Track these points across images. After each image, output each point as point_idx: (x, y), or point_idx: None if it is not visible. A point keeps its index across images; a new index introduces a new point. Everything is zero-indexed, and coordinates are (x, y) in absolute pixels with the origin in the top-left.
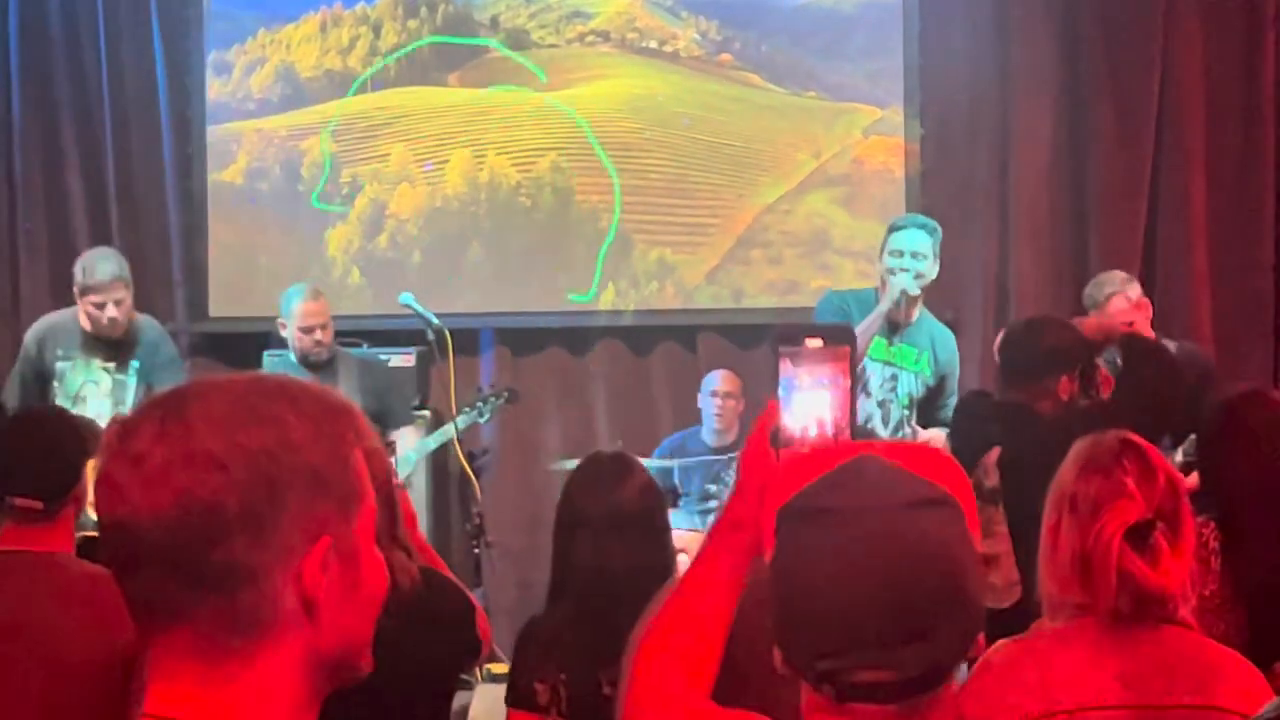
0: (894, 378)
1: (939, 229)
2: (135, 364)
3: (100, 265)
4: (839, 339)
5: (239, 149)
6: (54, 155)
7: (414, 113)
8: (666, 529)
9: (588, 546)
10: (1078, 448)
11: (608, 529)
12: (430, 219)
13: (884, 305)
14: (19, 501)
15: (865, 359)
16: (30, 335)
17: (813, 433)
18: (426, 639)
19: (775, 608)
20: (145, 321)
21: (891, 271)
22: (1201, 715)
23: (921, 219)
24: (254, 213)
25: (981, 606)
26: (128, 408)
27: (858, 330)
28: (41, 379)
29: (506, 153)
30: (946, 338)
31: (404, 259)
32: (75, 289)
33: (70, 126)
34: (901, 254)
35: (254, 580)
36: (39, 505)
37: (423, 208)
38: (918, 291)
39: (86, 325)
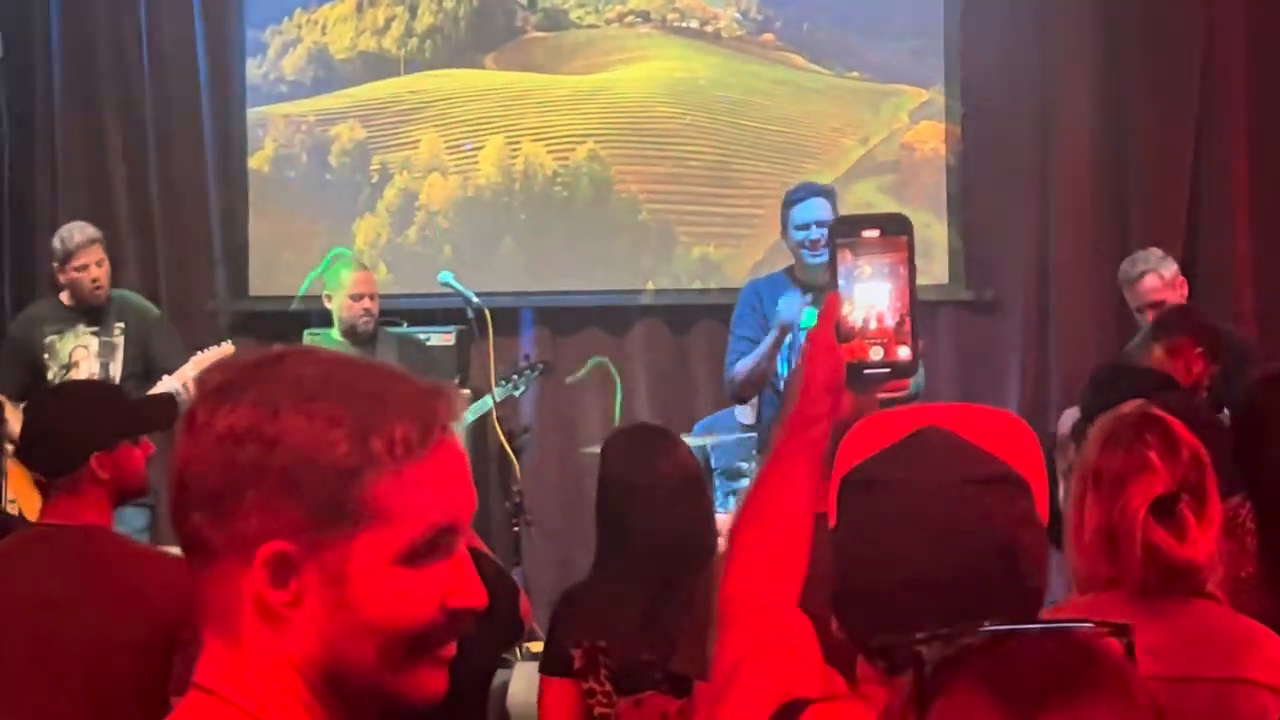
0: None
1: (833, 190)
2: (119, 325)
3: (76, 232)
4: (896, 228)
5: (265, 135)
6: (95, 134)
7: (448, 97)
8: (710, 499)
9: (643, 511)
10: (1100, 423)
11: (664, 494)
12: (462, 210)
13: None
14: (35, 476)
15: (799, 330)
16: (15, 324)
17: (873, 325)
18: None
19: (835, 578)
20: (122, 293)
21: (802, 245)
22: (1231, 688)
23: (816, 185)
24: (281, 201)
25: (1042, 587)
26: (118, 365)
27: (755, 354)
28: (31, 359)
29: (542, 140)
30: None
31: (434, 253)
32: (55, 263)
33: (111, 105)
34: (807, 225)
35: (218, 560)
36: (43, 480)
37: (454, 198)
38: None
39: (68, 300)
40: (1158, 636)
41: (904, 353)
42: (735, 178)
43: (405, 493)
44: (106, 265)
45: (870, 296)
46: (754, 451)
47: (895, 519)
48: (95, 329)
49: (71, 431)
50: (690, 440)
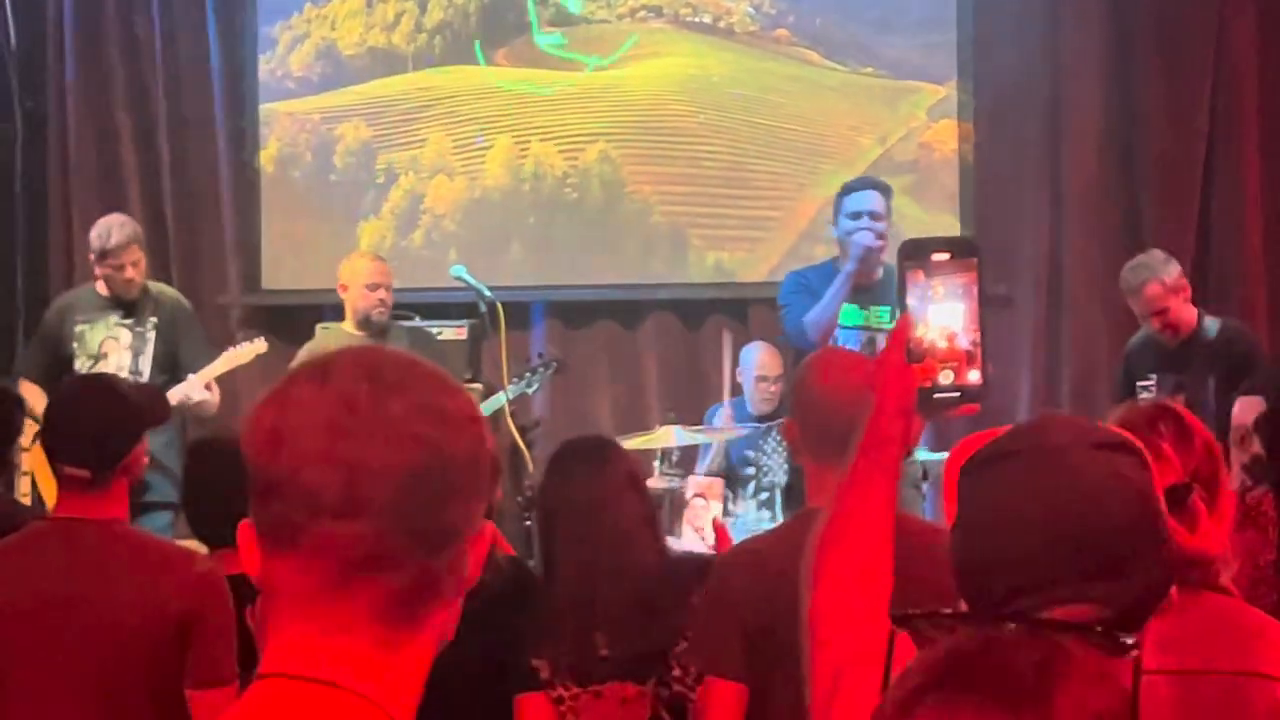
0: (872, 341)
1: (891, 189)
2: (153, 320)
3: (115, 231)
4: (965, 251)
5: (270, 134)
6: (108, 128)
7: (456, 94)
8: (650, 513)
9: (568, 534)
10: (1113, 416)
11: (586, 517)
12: (469, 214)
13: (850, 266)
14: (67, 469)
15: (839, 328)
16: (52, 308)
17: (943, 346)
18: (503, 620)
19: (959, 557)
20: (160, 287)
21: (851, 234)
22: (1241, 681)
23: (874, 179)
24: (285, 202)
25: (1175, 555)
26: (148, 359)
27: (827, 296)
28: (58, 348)
29: (552, 139)
30: None
31: (439, 257)
32: (93, 255)
33: (123, 99)
34: (860, 215)
35: (456, 547)
36: (86, 474)
37: (461, 201)
38: (879, 244)
39: (103, 290)
40: (1169, 629)
41: (974, 376)
42: (750, 179)
43: None
44: (143, 264)
45: (939, 318)
46: (759, 442)
47: (1029, 480)
48: (129, 321)
49: (118, 427)
50: (699, 437)
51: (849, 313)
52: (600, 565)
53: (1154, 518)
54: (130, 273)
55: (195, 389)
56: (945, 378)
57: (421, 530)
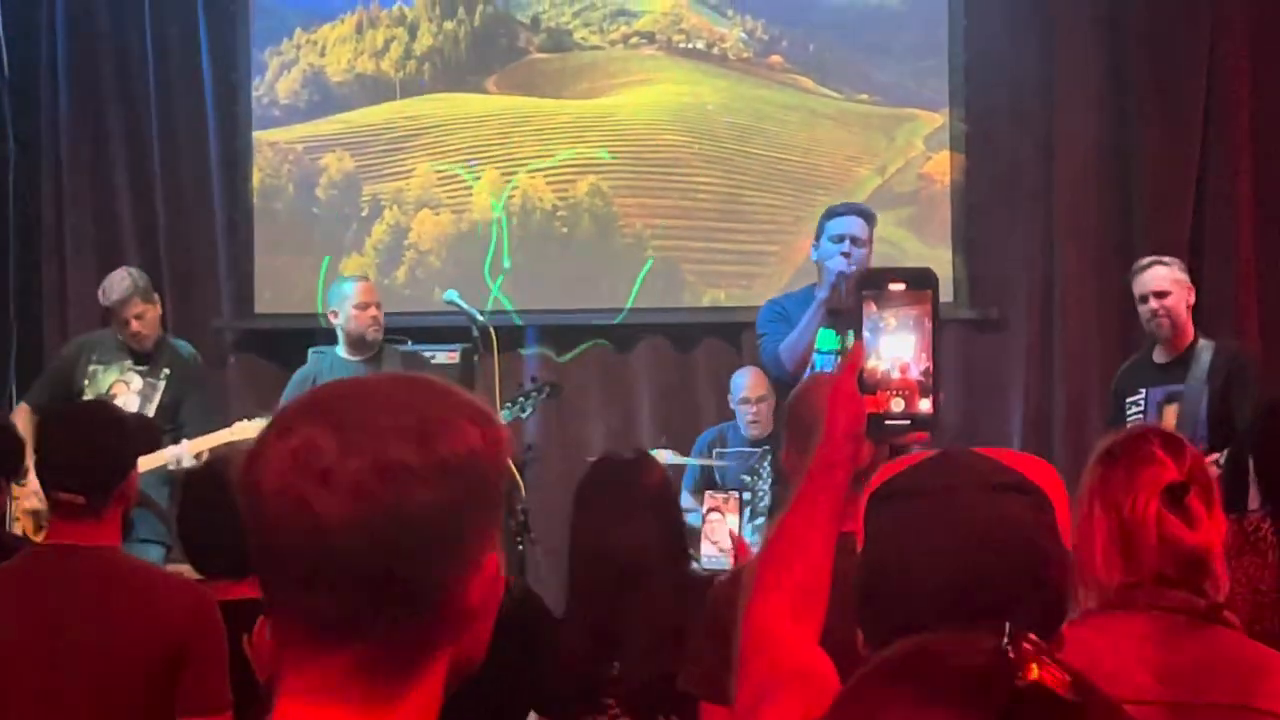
0: None
1: (875, 215)
2: (166, 371)
3: (115, 286)
4: (922, 282)
5: (252, 164)
6: (101, 153)
7: (444, 122)
8: (673, 517)
9: (583, 564)
10: (1097, 446)
11: (599, 548)
12: (454, 250)
13: (822, 291)
14: (62, 495)
15: (815, 352)
16: (72, 343)
17: (896, 375)
18: (514, 647)
19: (860, 589)
20: (179, 343)
21: (829, 258)
22: (1234, 715)
23: (858, 205)
24: (266, 235)
25: (1066, 597)
26: (154, 407)
27: (800, 324)
28: (70, 382)
29: (541, 170)
30: None
31: (423, 295)
32: (108, 296)
33: (117, 123)
34: (841, 239)
35: (442, 595)
36: (81, 500)
37: (446, 236)
38: (852, 270)
39: (122, 336)
40: (1170, 660)
41: (925, 405)
42: (745, 211)
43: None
44: (149, 315)
45: (894, 349)
46: (752, 465)
47: (923, 523)
48: (142, 368)
49: (113, 452)
50: (693, 461)
51: (826, 337)
52: (611, 597)
53: (1041, 561)
54: (135, 326)
55: (186, 456)
56: (897, 405)
57: (393, 594)
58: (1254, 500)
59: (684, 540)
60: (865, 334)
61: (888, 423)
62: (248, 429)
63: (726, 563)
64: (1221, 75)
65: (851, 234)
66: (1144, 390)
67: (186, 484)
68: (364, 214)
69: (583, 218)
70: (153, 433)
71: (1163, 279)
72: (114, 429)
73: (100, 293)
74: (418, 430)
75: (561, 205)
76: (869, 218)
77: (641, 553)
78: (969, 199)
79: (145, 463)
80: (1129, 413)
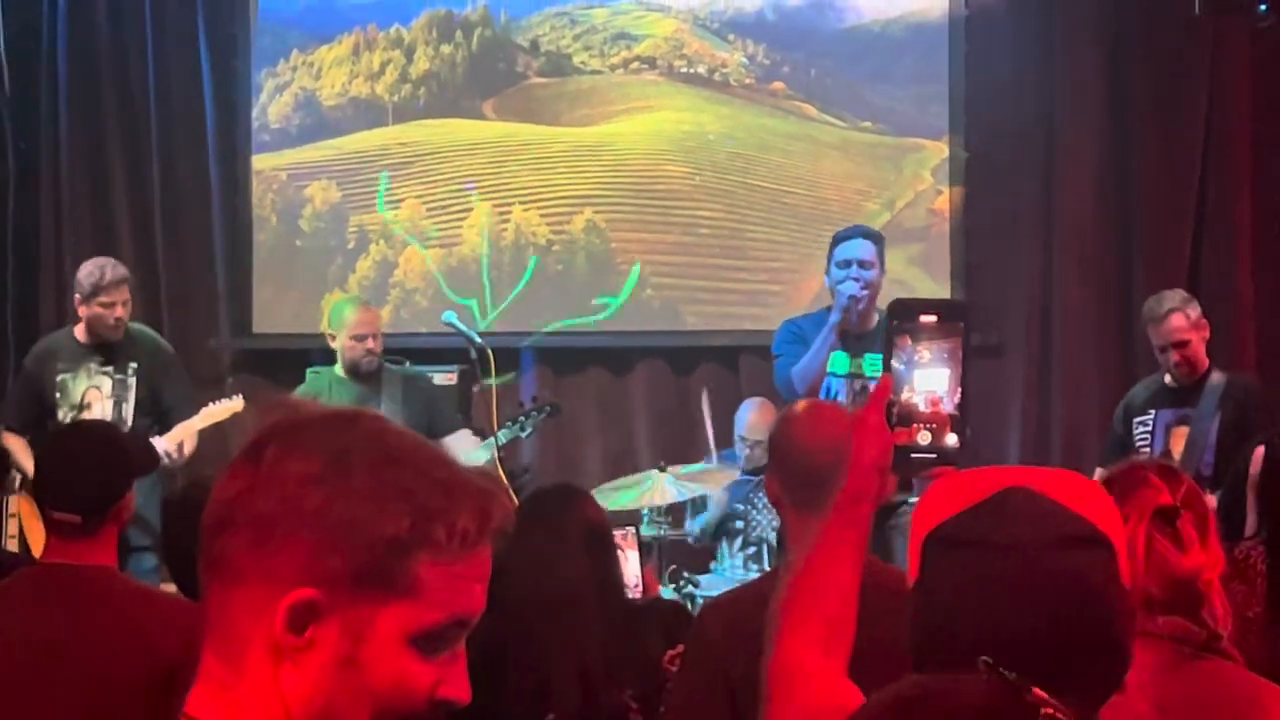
0: (864, 389)
1: (884, 237)
2: (134, 365)
3: (110, 270)
4: (953, 314)
5: (250, 184)
6: (100, 172)
7: (437, 149)
8: (605, 572)
9: (514, 599)
10: (1100, 475)
11: (532, 583)
12: (442, 289)
13: (834, 316)
14: (57, 515)
15: (829, 375)
16: (31, 356)
17: (925, 408)
18: None
19: (916, 631)
20: (139, 328)
21: (839, 284)
22: None
23: (866, 228)
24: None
25: (1129, 651)
26: (130, 406)
27: (812, 349)
28: (40, 396)
29: (536, 204)
30: None
31: (407, 341)
32: (80, 295)
33: (117, 143)
34: (849, 264)
35: (243, 586)
36: (77, 519)
37: (433, 274)
38: (864, 294)
39: (84, 337)
40: (1169, 692)
41: (952, 440)
42: (749, 248)
43: (445, 580)
44: (130, 307)
45: (924, 382)
46: (749, 496)
47: (989, 581)
48: (108, 369)
49: (109, 472)
50: (689, 489)
51: (839, 360)
52: (543, 632)
53: (1108, 622)
54: (120, 311)
55: (165, 449)
56: (923, 439)
57: (209, 555)
58: (1250, 528)
59: (616, 571)
60: (896, 366)
61: (914, 456)
62: (215, 412)
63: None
64: (1222, 103)
65: (859, 258)
66: (1154, 411)
67: (169, 508)
68: (350, 246)
69: (578, 255)
70: (150, 454)
71: (1183, 330)
72: (110, 450)
73: (85, 275)
74: (321, 446)
75: (556, 240)
76: (877, 240)
77: (579, 586)
78: (968, 223)
79: None
80: (1136, 432)
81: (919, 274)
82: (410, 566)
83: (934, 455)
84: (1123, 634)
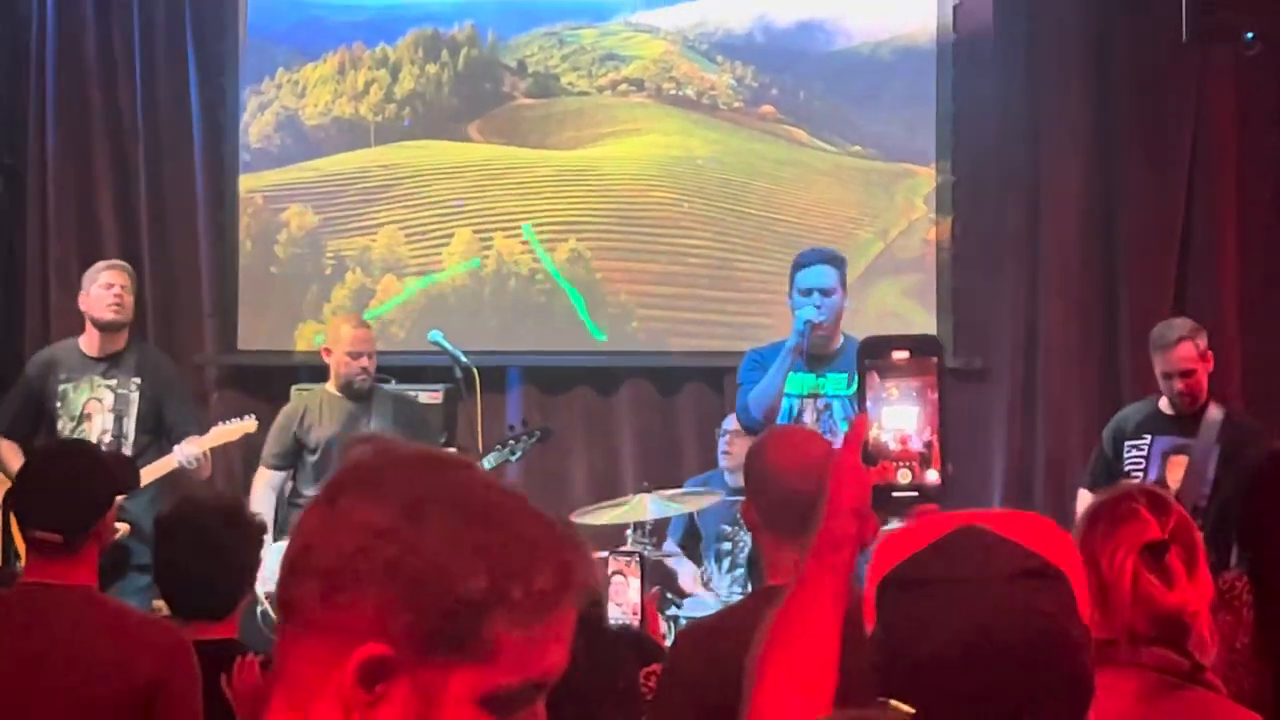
0: (827, 406)
1: (844, 259)
2: (137, 380)
3: (112, 260)
4: (926, 350)
5: (237, 201)
6: (87, 187)
7: (419, 172)
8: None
9: None
10: (1091, 501)
11: None
12: (420, 322)
13: (790, 340)
14: (38, 534)
15: (790, 396)
16: (33, 362)
17: (899, 446)
18: None
19: (878, 673)
20: (143, 343)
21: (800, 309)
22: None
23: (826, 251)
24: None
25: (1090, 683)
26: (131, 421)
27: (769, 374)
28: (38, 405)
29: (520, 233)
30: None
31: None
32: (83, 289)
33: (104, 158)
34: (810, 291)
35: (315, 635)
36: (58, 538)
37: (412, 307)
38: (822, 319)
39: (89, 348)
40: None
41: (932, 476)
42: (738, 279)
43: (522, 643)
44: (130, 299)
45: (898, 419)
46: (736, 515)
47: (943, 617)
48: (111, 381)
49: (90, 491)
50: (674, 509)
51: (802, 381)
52: None
53: (1066, 654)
54: (120, 293)
55: (191, 456)
56: (903, 477)
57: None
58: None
59: (600, 599)
60: (868, 405)
61: (895, 495)
62: (229, 431)
63: (630, 622)
64: (1207, 131)
65: (820, 286)
66: (1149, 437)
67: (161, 529)
68: (327, 273)
69: (562, 285)
70: (130, 471)
71: (1191, 359)
72: (91, 469)
73: (91, 269)
74: (401, 493)
75: (540, 269)
76: (838, 264)
77: None
78: (954, 248)
79: (156, 469)
80: (1128, 455)
81: (913, 306)
82: (485, 628)
83: (915, 493)
84: (1080, 666)
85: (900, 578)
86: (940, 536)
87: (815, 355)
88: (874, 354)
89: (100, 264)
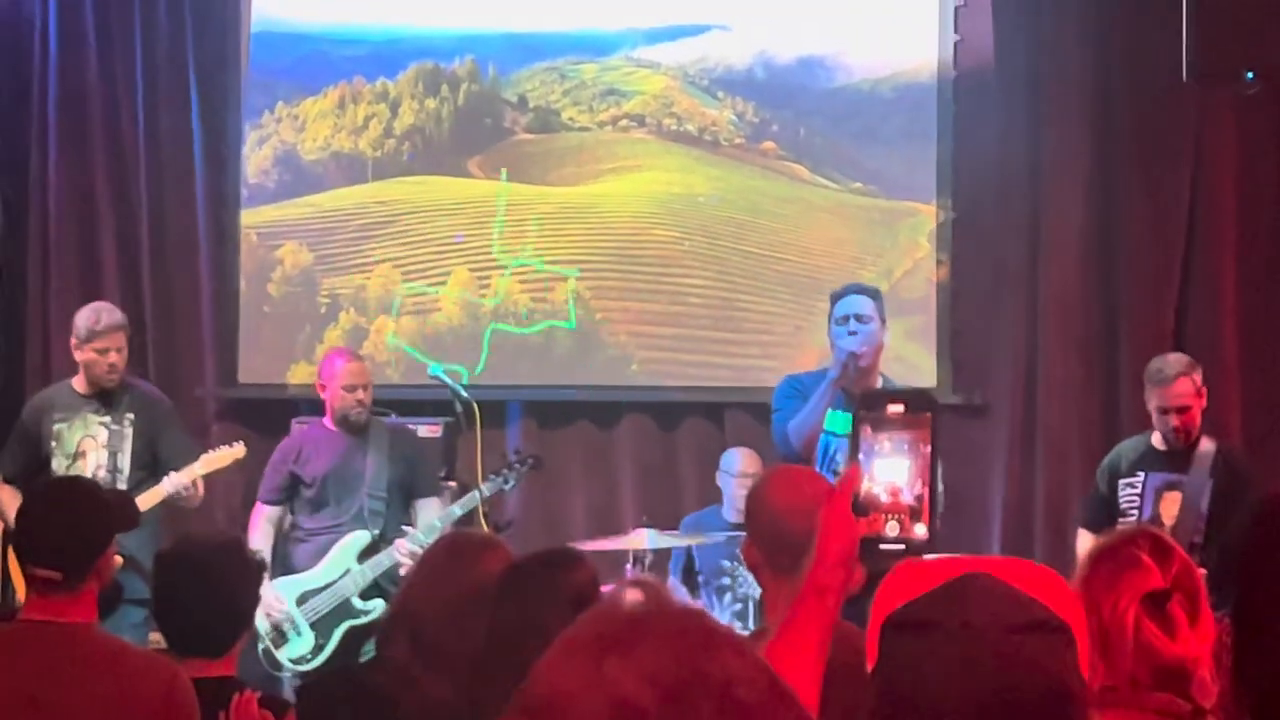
0: None
1: (880, 293)
2: (130, 416)
3: (105, 314)
4: (920, 405)
5: (239, 235)
6: (88, 219)
7: (418, 209)
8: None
9: (499, 665)
10: (1094, 546)
11: (516, 648)
12: (415, 364)
13: (833, 371)
14: (39, 572)
15: (829, 434)
16: (28, 407)
17: (890, 499)
18: None
19: (874, 716)
20: (138, 382)
21: (839, 340)
22: None
23: (861, 284)
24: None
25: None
26: (126, 457)
27: (810, 403)
28: (37, 447)
29: (517, 271)
30: None
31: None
32: (76, 340)
33: (106, 191)
34: (846, 319)
35: None
36: (57, 576)
37: (407, 348)
38: (863, 350)
39: (82, 387)
40: None
41: (920, 530)
42: (740, 319)
43: None
44: (125, 353)
45: (883, 472)
46: (736, 552)
47: (947, 664)
48: (105, 419)
49: (90, 530)
50: (674, 541)
51: (838, 419)
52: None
53: (1065, 708)
54: (114, 358)
55: (181, 484)
56: (891, 529)
57: None
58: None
59: None
60: (860, 457)
61: (882, 547)
62: (219, 458)
63: None
64: (1207, 169)
65: (856, 313)
66: (1143, 474)
67: (160, 566)
68: (321, 312)
69: (560, 329)
70: (130, 509)
71: (1188, 395)
72: (90, 507)
73: (81, 321)
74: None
75: (538, 311)
76: (873, 295)
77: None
78: (954, 284)
79: (146, 500)
80: (1122, 494)
81: (918, 350)
82: None
83: (902, 546)
84: (1080, 717)
85: (906, 619)
86: (947, 580)
87: (848, 390)
88: (870, 406)
89: (92, 317)
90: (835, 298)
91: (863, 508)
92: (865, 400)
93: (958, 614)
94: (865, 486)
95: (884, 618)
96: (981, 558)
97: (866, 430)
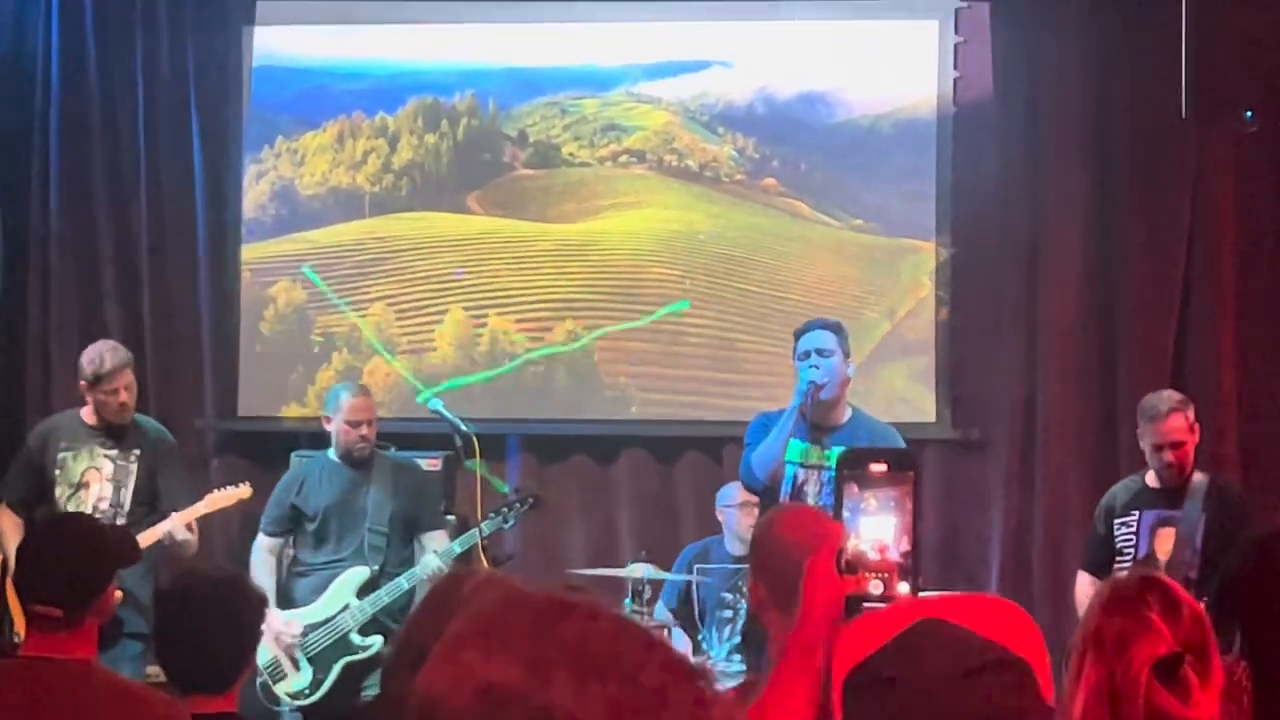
0: (831, 480)
1: (844, 327)
2: (136, 451)
3: (109, 356)
4: (903, 464)
5: (240, 267)
6: (89, 252)
7: (415, 244)
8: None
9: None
10: (1100, 589)
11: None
12: (411, 406)
13: (794, 401)
14: (38, 608)
15: (794, 465)
16: (34, 433)
17: (875, 557)
18: None
19: None
20: (146, 419)
21: (801, 373)
22: None
23: (824, 320)
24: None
25: None
26: (129, 491)
27: (771, 435)
28: (41, 474)
29: (514, 311)
30: (889, 435)
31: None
32: (84, 382)
33: (106, 224)
34: (808, 354)
35: None
36: (58, 613)
37: (402, 390)
38: (824, 381)
39: (91, 419)
40: None
41: (904, 588)
42: (740, 360)
43: None
44: (134, 388)
45: (870, 530)
46: (737, 584)
47: (903, 717)
48: (112, 452)
49: (91, 565)
50: (674, 575)
51: (798, 449)
52: None
53: None
54: (124, 396)
55: (178, 529)
56: (875, 588)
57: None
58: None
59: None
60: (845, 515)
61: (866, 605)
62: (224, 498)
63: None
64: (1206, 204)
65: (817, 347)
66: (1137, 512)
67: (161, 603)
68: (315, 351)
69: (558, 368)
70: (130, 545)
71: (1182, 431)
72: (91, 544)
73: (87, 363)
74: (527, 643)
75: (536, 348)
76: (835, 328)
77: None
78: (954, 320)
79: (145, 539)
80: (1118, 534)
81: (922, 390)
82: None
83: (886, 604)
84: None
85: (861, 678)
86: (900, 631)
87: (819, 425)
88: (853, 465)
89: (97, 359)
90: (798, 334)
91: (850, 566)
92: (847, 460)
93: (910, 666)
94: (853, 544)
95: (844, 676)
96: (932, 599)
97: (852, 488)
